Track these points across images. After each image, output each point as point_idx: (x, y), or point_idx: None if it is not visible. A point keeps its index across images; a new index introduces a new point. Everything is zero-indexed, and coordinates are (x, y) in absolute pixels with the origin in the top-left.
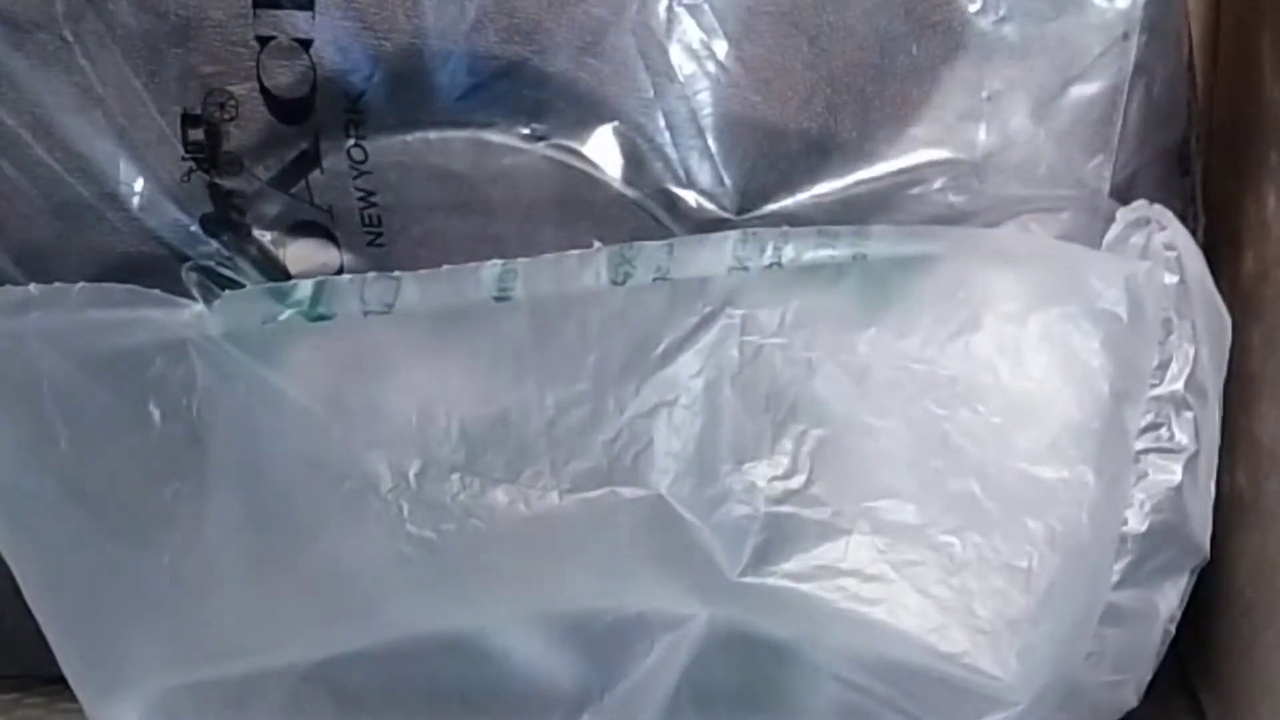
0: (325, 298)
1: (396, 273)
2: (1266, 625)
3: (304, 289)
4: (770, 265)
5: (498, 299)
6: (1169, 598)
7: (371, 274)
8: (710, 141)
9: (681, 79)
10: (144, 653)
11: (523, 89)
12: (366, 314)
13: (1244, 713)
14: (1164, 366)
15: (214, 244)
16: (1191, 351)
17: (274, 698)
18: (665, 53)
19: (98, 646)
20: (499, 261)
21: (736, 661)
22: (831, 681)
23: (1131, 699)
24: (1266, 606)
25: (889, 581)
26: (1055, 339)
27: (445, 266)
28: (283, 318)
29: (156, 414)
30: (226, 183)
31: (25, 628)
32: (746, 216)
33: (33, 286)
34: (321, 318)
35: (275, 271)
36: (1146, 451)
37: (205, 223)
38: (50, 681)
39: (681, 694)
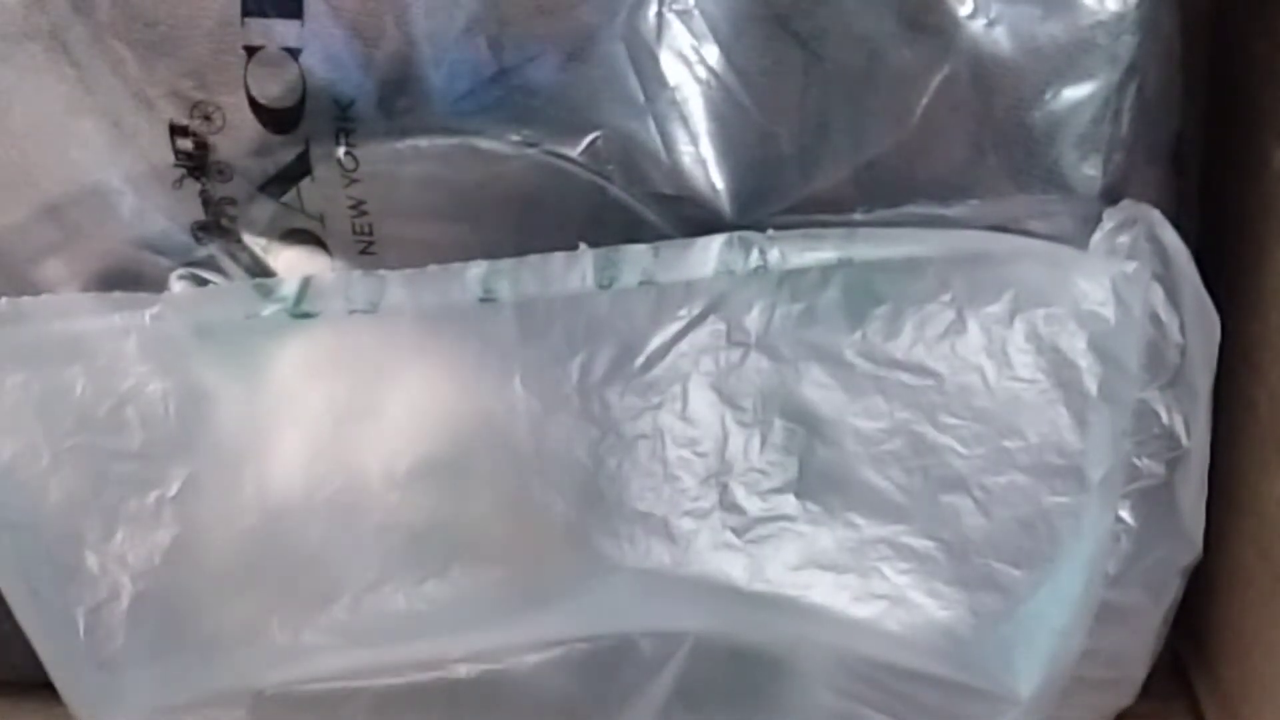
0: (310, 295)
1: (382, 271)
2: (1264, 622)
3: (289, 286)
4: (757, 269)
5: (483, 300)
6: (1163, 595)
7: (357, 272)
8: (702, 146)
9: (672, 84)
10: (136, 668)
11: (513, 96)
12: (351, 313)
13: (1242, 710)
14: (1153, 365)
15: (205, 251)
16: (1181, 349)
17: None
18: (655, 59)
19: (88, 663)
20: (484, 262)
21: (729, 673)
22: (826, 688)
23: (1128, 696)
24: (1264, 603)
25: (882, 584)
26: (1042, 340)
27: (431, 266)
28: (266, 314)
29: (136, 419)
30: (217, 190)
31: (20, 634)
32: (740, 221)
33: (4, 300)
34: (306, 315)
35: None
36: (1138, 450)
37: (196, 229)
38: (46, 688)
39: (674, 708)
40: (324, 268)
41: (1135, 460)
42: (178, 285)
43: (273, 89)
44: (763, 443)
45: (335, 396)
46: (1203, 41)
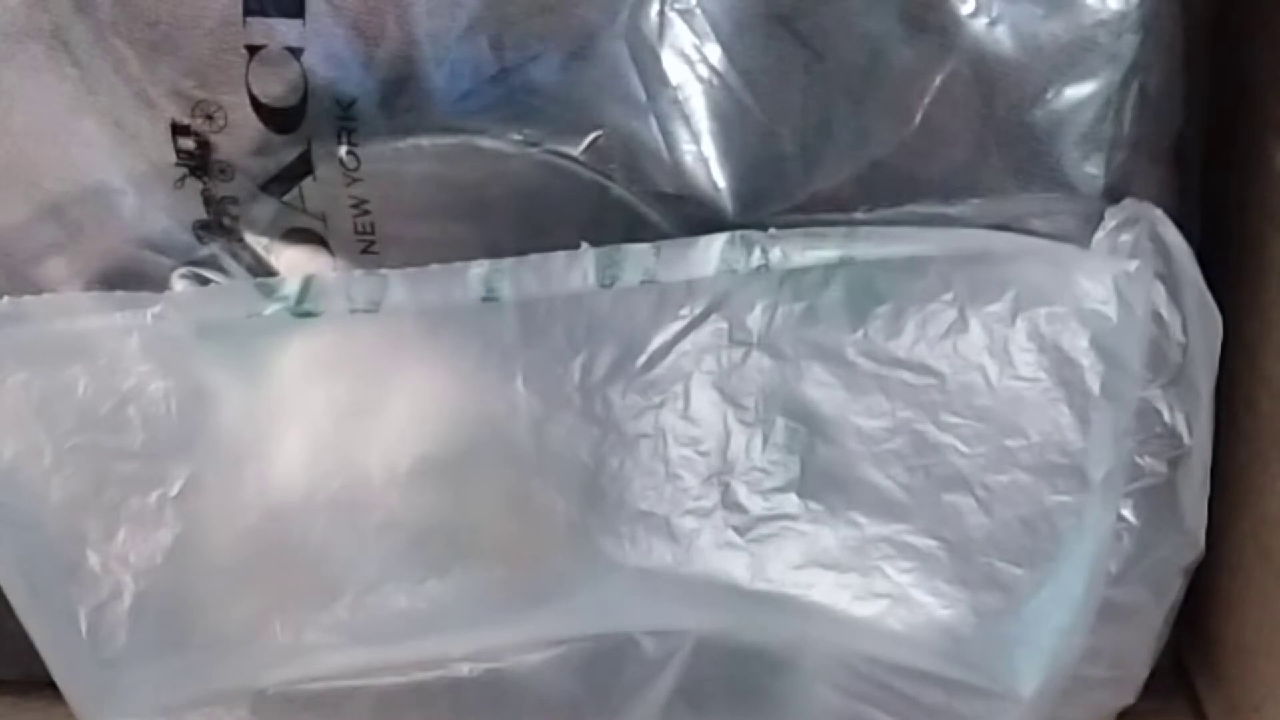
0: (312, 294)
1: (383, 271)
2: (1266, 620)
3: (291, 285)
4: (758, 267)
5: (485, 299)
6: (1165, 593)
7: (359, 272)
8: (704, 145)
9: (674, 83)
10: (138, 667)
11: (515, 95)
12: (353, 312)
13: (1244, 709)
14: (1155, 364)
15: (207, 250)
16: (1183, 348)
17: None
18: (657, 58)
19: (91, 662)
20: (486, 261)
21: (732, 672)
22: (827, 687)
23: (1130, 695)
24: (1266, 602)
25: (884, 583)
26: (1044, 339)
27: (433, 266)
28: (268, 313)
29: (138, 418)
30: (219, 189)
31: (23, 633)
32: (741, 220)
33: (5, 300)
34: (308, 314)
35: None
36: (1140, 448)
37: (198, 228)
38: (49, 686)
39: (676, 707)
40: (326, 267)
41: (1137, 459)
42: (179, 284)
43: (274, 88)
44: (765, 442)
45: (337, 396)
46: (1205, 40)
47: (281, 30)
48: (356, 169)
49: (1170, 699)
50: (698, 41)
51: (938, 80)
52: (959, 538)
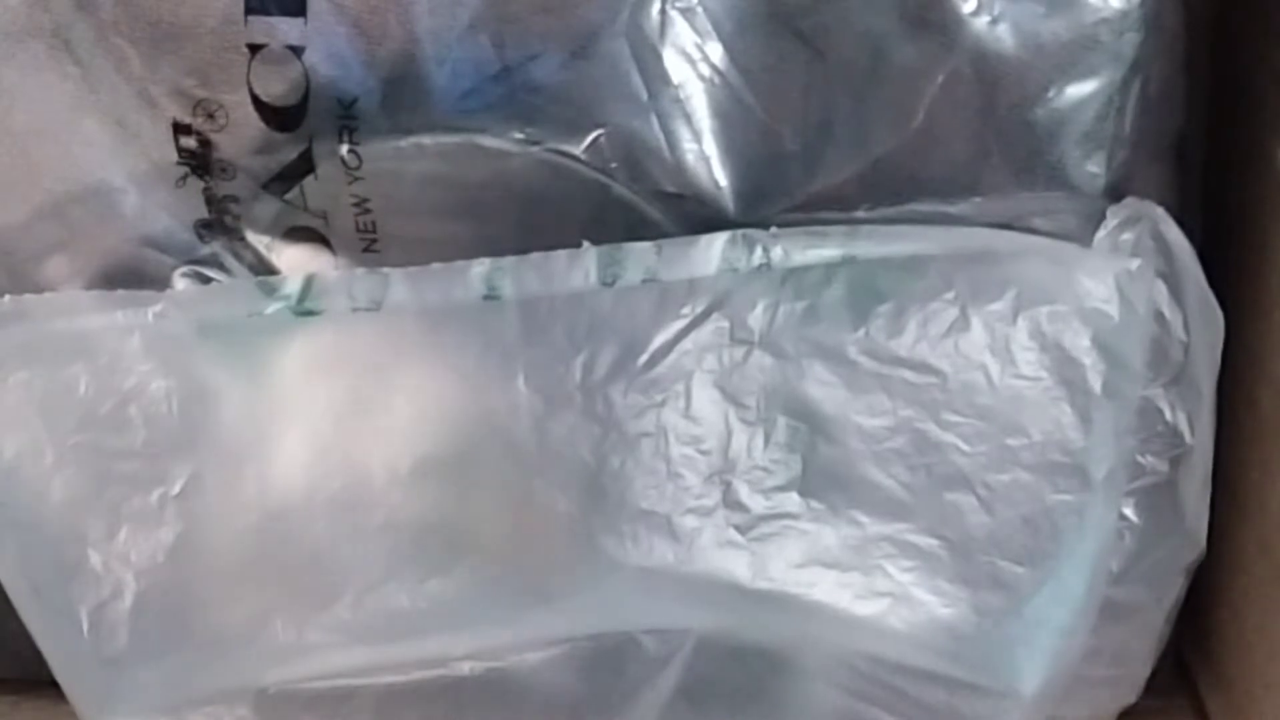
0: (314, 293)
1: (385, 269)
2: (1267, 619)
3: (292, 284)
4: (760, 266)
5: (486, 298)
6: (1167, 592)
7: (360, 270)
8: (705, 144)
9: (675, 82)
10: (140, 666)
11: (516, 93)
12: (354, 310)
13: (1246, 708)
14: (1157, 362)
15: (208, 248)
16: (1184, 347)
17: None
18: (659, 56)
19: (92, 661)
20: (487, 260)
21: (733, 671)
22: (829, 686)
23: (1131, 694)
24: (1267, 601)
25: (885, 582)
26: (1045, 337)
27: (434, 264)
28: (269, 311)
29: (139, 417)
30: (221, 188)
31: (25, 632)
32: (743, 219)
33: (7, 298)
34: (309, 313)
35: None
36: (1141, 447)
37: (199, 227)
38: (50, 686)
39: (677, 706)
40: (327, 265)
41: (1139, 458)
42: (181, 283)
43: (276, 87)
44: (766, 440)
45: (338, 394)
46: (1206, 38)
47: (283, 29)
48: (358, 167)
49: (1172, 697)
50: (699, 40)
51: (939, 79)
52: (960, 536)
